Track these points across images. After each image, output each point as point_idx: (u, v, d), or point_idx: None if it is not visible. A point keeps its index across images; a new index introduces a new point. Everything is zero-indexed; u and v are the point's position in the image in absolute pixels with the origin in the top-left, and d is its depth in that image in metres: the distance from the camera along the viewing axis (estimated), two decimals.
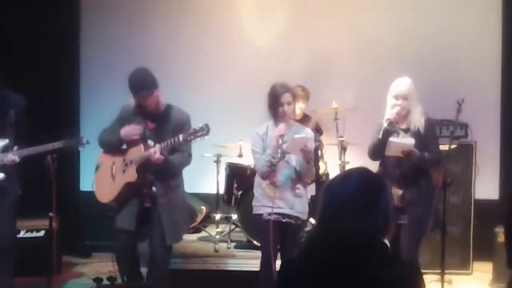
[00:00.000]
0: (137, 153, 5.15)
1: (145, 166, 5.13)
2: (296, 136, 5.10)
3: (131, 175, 5.15)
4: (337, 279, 2.20)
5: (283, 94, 5.11)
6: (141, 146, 5.13)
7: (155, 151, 4.98)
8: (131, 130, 5.19)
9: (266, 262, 5.18)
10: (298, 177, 5.20)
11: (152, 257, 5.34)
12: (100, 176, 5.43)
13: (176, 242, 5.43)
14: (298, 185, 5.20)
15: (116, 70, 7.46)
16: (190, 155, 5.30)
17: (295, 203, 5.17)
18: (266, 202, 5.15)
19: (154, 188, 5.22)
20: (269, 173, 5.12)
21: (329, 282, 2.21)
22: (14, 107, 5.42)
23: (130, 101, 5.29)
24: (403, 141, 5.11)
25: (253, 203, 5.29)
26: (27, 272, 6.02)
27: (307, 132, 5.27)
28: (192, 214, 6.84)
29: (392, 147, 5.08)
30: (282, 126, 5.04)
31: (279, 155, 5.04)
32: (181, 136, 4.99)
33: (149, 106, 5.21)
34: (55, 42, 7.45)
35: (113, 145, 5.33)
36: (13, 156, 5.29)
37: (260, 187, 5.23)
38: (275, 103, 5.13)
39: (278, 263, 5.21)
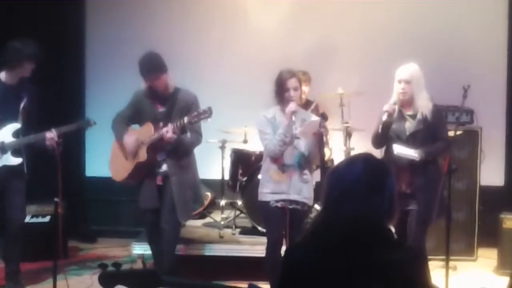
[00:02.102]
0: (147, 134, 5.37)
1: (155, 146, 5.36)
2: (312, 119, 5.16)
3: (142, 155, 5.39)
4: (342, 264, 2.20)
5: (289, 79, 5.13)
6: (151, 127, 5.36)
7: (168, 130, 5.19)
8: (131, 142, 5.43)
9: (273, 248, 5.22)
10: (306, 162, 5.21)
11: (162, 235, 5.49)
12: (114, 156, 5.66)
13: (186, 220, 5.75)
14: (305, 171, 5.21)
15: (121, 58, 7.47)
16: (200, 135, 5.54)
17: (302, 189, 5.18)
18: (273, 188, 5.15)
19: (164, 167, 5.45)
20: (281, 154, 5.10)
21: (334, 267, 2.21)
22: (27, 95, 5.66)
23: (142, 85, 5.52)
24: (408, 154, 5.10)
25: (260, 189, 5.28)
26: (33, 257, 6.08)
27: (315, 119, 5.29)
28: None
29: (396, 157, 5.13)
30: (293, 104, 5.06)
31: (290, 135, 5.05)
32: (186, 118, 5.20)
33: (157, 88, 5.44)
34: (61, 34, 7.47)
35: (117, 139, 5.60)
36: (53, 137, 5.47)
37: (267, 173, 5.22)
38: (282, 88, 5.14)
39: (283, 249, 5.27)
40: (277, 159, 5.15)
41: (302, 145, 5.17)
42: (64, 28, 7.50)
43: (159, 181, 5.49)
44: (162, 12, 7.72)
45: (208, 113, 5.19)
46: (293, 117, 5.04)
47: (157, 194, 5.50)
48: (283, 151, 5.10)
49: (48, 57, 7.13)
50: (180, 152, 5.44)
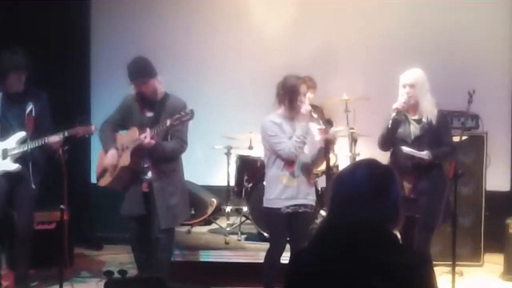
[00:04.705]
0: (132, 138, 5.32)
1: (138, 151, 5.28)
2: (316, 139, 5.24)
3: (125, 159, 5.34)
4: (348, 269, 2.20)
5: (301, 85, 5.19)
6: (137, 131, 5.29)
7: (146, 135, 5.15)
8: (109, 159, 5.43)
9: (275, 254, 5.27)
10: (312, 166, 5.30)
11: (153, 243, 5.45)
12: (100, 161, 5.64)
13: (170, 226, 5.49)
14: (312, 175, 5.30)
15: (125, 61, 7.46)
16: (185, 142, 5.45)
17: (310, 192, 5.25)
18: (284, 194, 5.15)
19: (149, 174, 5.39)
20: (297, 156, 5.13)
21: (340, 272, 2.20)
22: (33, 102, 5.65)
23: (131, 90, 5.51)
24: (415, 153, 5.10)
25: (267, 196, 5.26)
26: (39, 264, 6.07)
27: (316, 127, 5.34)
28: (202, 203, 6.87)
29: (405, 155, 5.12)
30: (306, 106, 5.15)
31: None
32: (168, 121, 5.13)
33: (145, 93, 5.41)
34: (66, 37, 7.48)
35: (103, 149, 5.58)
36: (60, 140, 5.47)
37: (277, 178, 5.19)
38: (294, 94, 5.15)
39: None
40: (290, 165, 5.16)
41: (306, 149, 5.21)
42: (68, 31, 7.50)
43: (144, 188, 5.40)
44: (167, 17, 7.73)
45: (190, 115, 5.11)
46: (314, 115, 5.18)
47: (142, 200, 5.42)
48: (299, 153, 5.14)
49: (53, 60, 7.18)
50: (162, 158, 5.35)
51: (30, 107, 5.64)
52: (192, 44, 7.69)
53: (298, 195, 5.16)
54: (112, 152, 5.45)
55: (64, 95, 7.15)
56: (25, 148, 5.56)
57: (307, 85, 6.51)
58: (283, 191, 5.16)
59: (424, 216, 5.13)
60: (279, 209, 5.17)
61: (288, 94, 5.17)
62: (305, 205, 5.20)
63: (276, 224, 5.28)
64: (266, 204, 5.28)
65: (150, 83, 5.37)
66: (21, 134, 5.61)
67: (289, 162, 5.16)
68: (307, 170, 5.23)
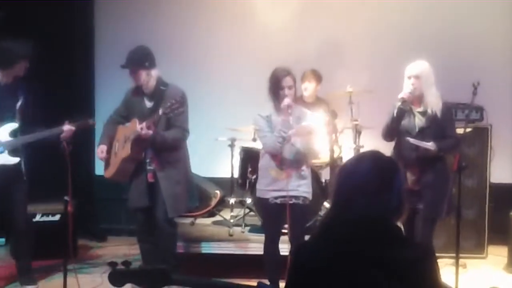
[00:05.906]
0: (132, 129, 5.36)
1: (138, 142, 5.32)
2: (302, 124, 5.14)
3: (126, 150, 5.39)
4: (351, 262, 2.20)
5: (284, 77, 5.09)
6: (137, 123, 5.30)
7: (142, 126, 5.18)
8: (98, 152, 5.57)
9: (271, 244, 5.29)
10: (303, 159, 5.21)
11: (158, 233, 5.49)
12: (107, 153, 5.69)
13: (176, 215, 5.58)
14: (303, 167, 5.21)
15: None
16: (186, 130, 5.48)
17: (301, 184, 5.18)
18: (272, 185, 5.16)
19: (154, 164, 5.42)
20: (280, 150, 5.09)
21: (343, 265, 2.20)
22: (23, 94, 5.67)
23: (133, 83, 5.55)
24: (422, 143, 5.08)
25: (258, 186, 5.30)
26: (43, 256, 6.09)
27: (309, 118, 5.25)
28: (206, 195, 6.88)
29: (410, 147, 5.11)
30: (287, 99, 5.04)
31: (286, 134, 5.05)
32: (160, 110, 5.13)
33: (136, 82, 5.46)
34: (70, 35, 7.51)
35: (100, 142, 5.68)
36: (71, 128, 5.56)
37: (266, 170, 5.22)
38: (277, 86, 5.11)
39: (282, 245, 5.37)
40: (276, 157, 5.14)
41: (298, 141, 5.16)
42: (73, 30, 7.53)
43: (150, 178, 5.42)
44: (170, 11, 7.72)
45: (180, 102, 5.09)
46: (289, 111, 5.04)
47: (147, 192, 5.46)
48: (282, 147, 5.09)
49: (57, 58, 7.19)
50: (164, 148, 5.38)
51: (21, 99, 5.64)
52: (196, 37, 7.68)
53: (287, 187, 5.10)
54: (101, 147, 5.57)
55: (69, 93, 7.17)
56: (27, 139, 5.56)
57: (308, 77, 6.53)
58: (271, 183, 5.17)
59: (428, 209, 5.12)
60: (267, 199, 5.19)
61: (271, 86, 5.15)
62: (296, 197, 5.14)
63: (266, 214, 5.37)
64: (257, 194, 5.34)
65: (139, 73, 5.38)
66: (13, 125, 5.60)
67: (273, 155, 5.16)
68: (297, 162, 5.17)
